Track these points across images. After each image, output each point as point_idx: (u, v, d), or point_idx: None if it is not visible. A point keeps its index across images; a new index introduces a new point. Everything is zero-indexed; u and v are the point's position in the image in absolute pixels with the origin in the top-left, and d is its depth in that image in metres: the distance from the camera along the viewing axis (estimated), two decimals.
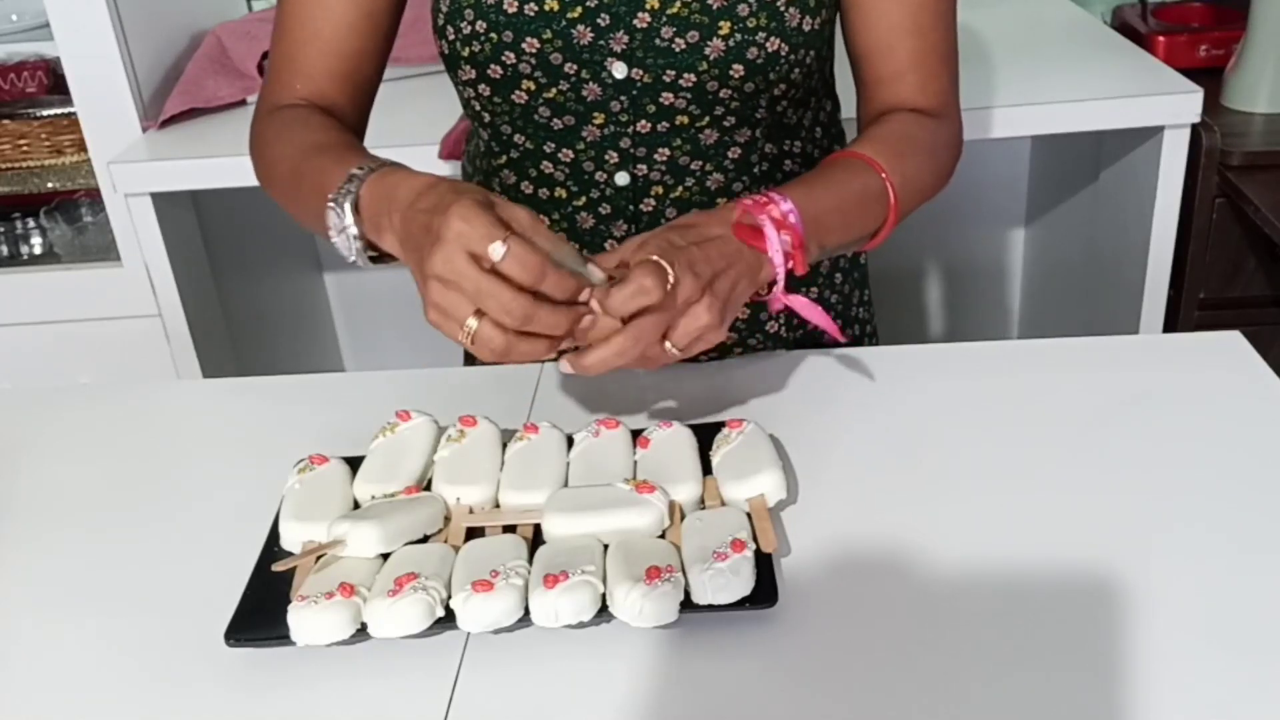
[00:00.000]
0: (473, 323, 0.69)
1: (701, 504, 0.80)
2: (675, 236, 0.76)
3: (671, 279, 0.73)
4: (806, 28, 0.91)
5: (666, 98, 0.92)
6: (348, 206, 0.78)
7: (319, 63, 0.95)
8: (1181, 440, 0.86)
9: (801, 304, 0.83)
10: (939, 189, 0.95)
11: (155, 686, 0.71)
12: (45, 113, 1.78)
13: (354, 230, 0.78)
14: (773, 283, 0.80)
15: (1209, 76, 1.70)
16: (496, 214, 0.70)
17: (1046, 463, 0.85)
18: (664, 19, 0.90)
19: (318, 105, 0.95)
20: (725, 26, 0.89)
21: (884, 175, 0.87)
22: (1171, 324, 1.70)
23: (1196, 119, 1.52)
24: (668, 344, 0.75)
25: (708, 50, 0.90)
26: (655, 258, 0.73)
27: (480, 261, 0.69)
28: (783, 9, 0.90)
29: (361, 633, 0.70)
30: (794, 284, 0.81)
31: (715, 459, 0.82)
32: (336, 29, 0.94)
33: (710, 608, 0.70)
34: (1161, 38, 1.80)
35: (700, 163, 0.97)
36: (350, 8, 0.94)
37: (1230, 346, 0.98)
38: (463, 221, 0.69)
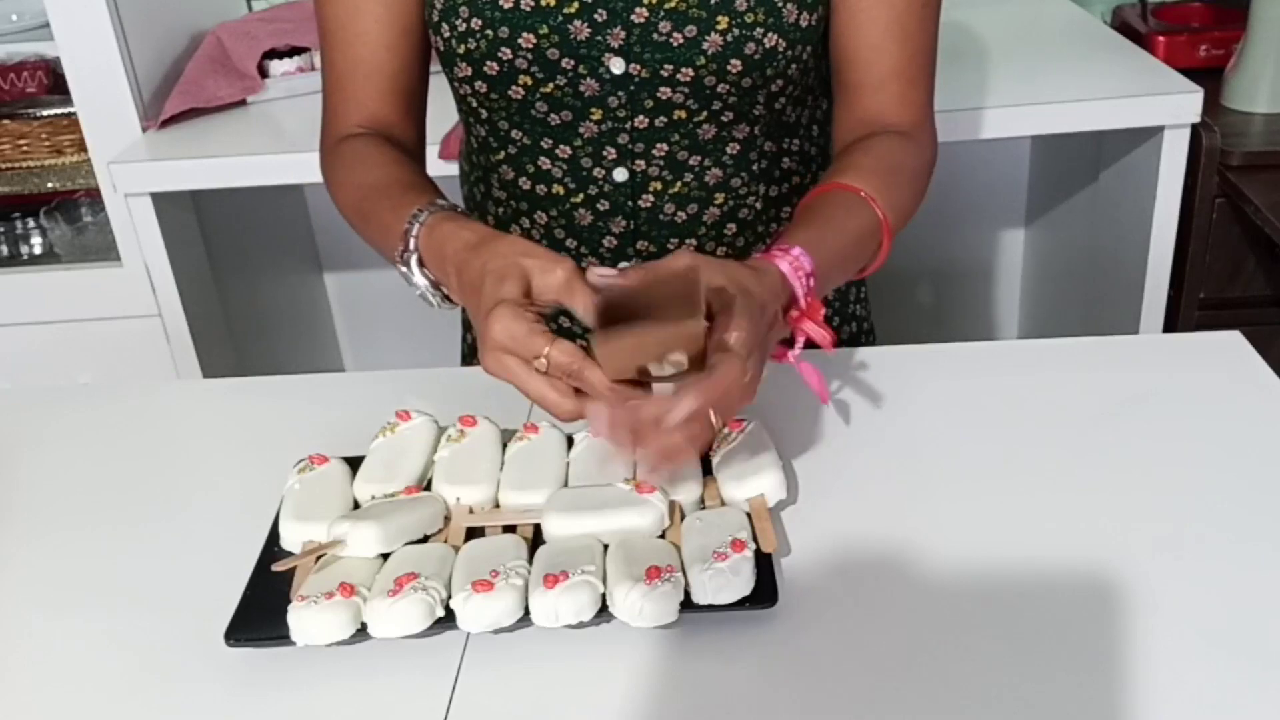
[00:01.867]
0: (543, 361, 0.71)
1: (702, 504, 0.80)
2: (760, 324, 0.73)
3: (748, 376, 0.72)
4: (804, 24, 0.91)
5: (664, 93, 0.92)
6: (414, 264, 0.82)
7: (366, 87, 0.97)
8: (1181, 440, 0.86)
9: (807, 369, 0.84)
10: (916, 212, 0.96)
11: (155, 686, 0.71)
12: (45, 113, 1.78)
13: (426, 285, 0.83)
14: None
15: (1209, 76, 1.70)
16: (532, 315, 0.71)
17: (1046, 463, 0.85)
18: (662, 14, 0.90)
19: (376, 130, 0.97)
20: (723, 22, 0.89)
21: (881, 215, 0.87)
22: (1171, 324, 1.69)
23: (1196, 119, 1.52)
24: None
25: (705, 45, 0.90)
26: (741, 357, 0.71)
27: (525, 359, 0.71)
28: (780, 5, 0.90)
29: (361, 633, 0.70)
30: None
31: (715, 459, 0.82)
32: (375, 51, 0.96)
33: (710, 608, 0.70)
34: (1161, 38, 1.80)
35: (699, 158, 0.97)
36: (386, 29, 0.96)
37: (1230, 346, 0.98)
38: (503, 331, 0.70)
